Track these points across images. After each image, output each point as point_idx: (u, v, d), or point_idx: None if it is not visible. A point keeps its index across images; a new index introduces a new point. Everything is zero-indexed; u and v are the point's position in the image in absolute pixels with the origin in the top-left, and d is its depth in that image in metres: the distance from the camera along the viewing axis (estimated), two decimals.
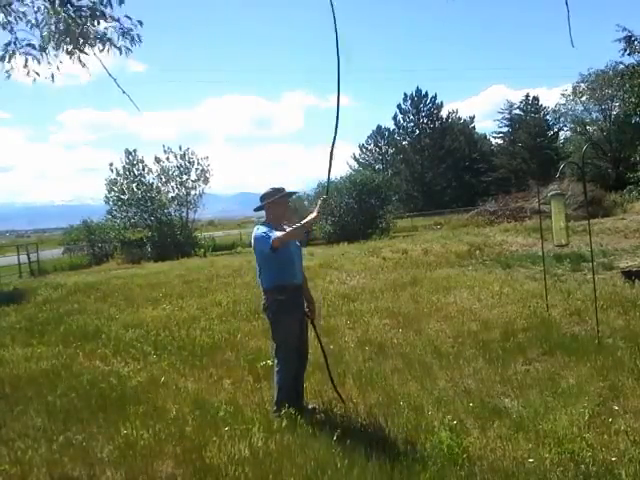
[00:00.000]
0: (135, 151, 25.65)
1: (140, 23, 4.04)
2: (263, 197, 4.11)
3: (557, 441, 3.31)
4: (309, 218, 3.89)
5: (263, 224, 4.09)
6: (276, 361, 4.08)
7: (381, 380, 4.64)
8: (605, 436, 3.39)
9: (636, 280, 7.66)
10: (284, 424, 3.76)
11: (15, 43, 3.98)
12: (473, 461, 3.20)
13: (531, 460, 3.16)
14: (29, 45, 3.98)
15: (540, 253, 8.16)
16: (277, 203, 4.09)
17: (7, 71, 4.04)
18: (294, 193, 4.18)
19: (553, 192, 7.74)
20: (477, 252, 12.90)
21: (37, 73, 4.10)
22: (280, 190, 4.12)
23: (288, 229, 3.91)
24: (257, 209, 4.23)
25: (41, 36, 3.93)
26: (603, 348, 4.98)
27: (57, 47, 3.95)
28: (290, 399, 3.94)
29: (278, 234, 3.82)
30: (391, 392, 4.35)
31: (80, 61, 4.01)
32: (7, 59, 3.98)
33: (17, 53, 3.99)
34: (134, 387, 4.95)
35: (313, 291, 4.62)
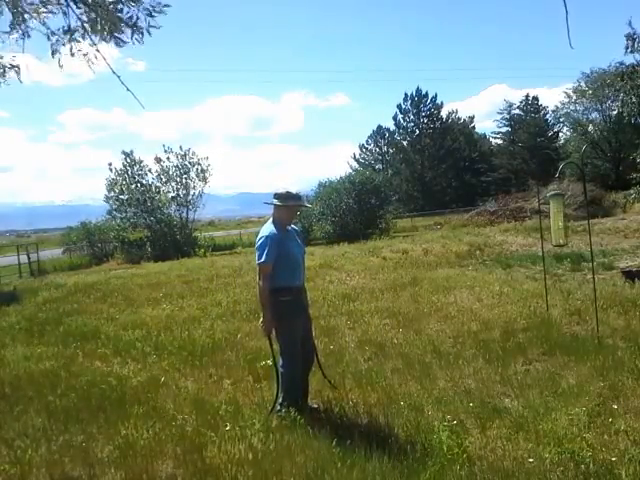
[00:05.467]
0: (132, 152, 25.68)
1: None
2: (279, 197, 4.09)
3: (557, 441, 3.31)
4: (264, 315, 4.01)
5: (273, 223, 4.10)
6: (281, 362, 4.07)
7: (381, 380, 4.64)
8: (605, 436, 3.39)
9: (636, 280, 7.66)
10: (284, 424, 3.76)
11: (53, 34, 3.96)
12: (473, 461, 3.20)
13: (531, 460, 3.16)
14: (66, 32, 3.95)
15: (540, 253, 8.16)
16: (290, 208, 4.13)
17: (58, 61, 4.04)
18: (306, 205, 4.28)
19: (552, 192, 7.74)
20: (477, 252, 12.91)
21: (84, 55, 4.07)
22: (295, 196, 4.15)
23: (263, 297, 3.99)
24: (267, 203, 4.23)
25: (69, 22, 3.90)
26: (603, 348, 4.98)
27: (93, 32, 3.91)
28: (296, 399, 3.95)
29: (266, 268, 3.92)
30: (391, 392, 4.35)
31: (118, 45, 3.96)
32: (62, 46, 3.97)
33: (59, 44, 3.97)
34: (134, 387, 4.95)
35: (313, 291, 4.64)
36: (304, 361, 4.11)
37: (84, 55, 4.05)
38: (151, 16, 3.94)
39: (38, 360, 6.10)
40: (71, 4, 3.80)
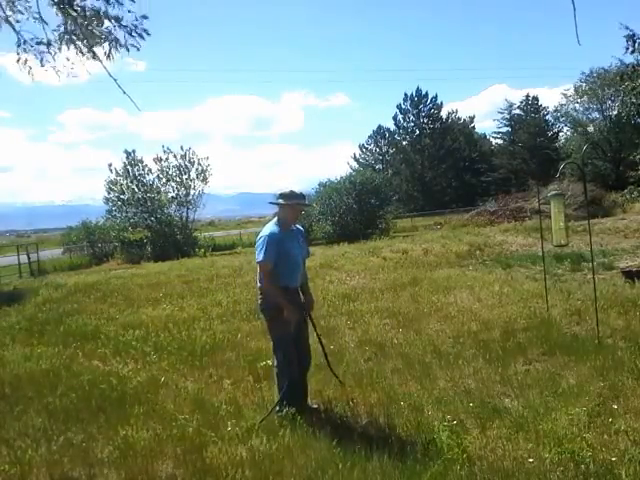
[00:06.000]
0: (134, 151, 25.71)
1: (145, 17, 4.03)
2: (283, 196, 4.13)
3: (557, 441, 3.31)
4: (285, 307, 3.92)
5: (276, 223, 4.13)
6: (276, 362, 4.08)
7: (381, 380, 4.64)
8: (605, 436, 3.39)
9: (636, 280, 7.66)
10: (285, 424, 3.76)
11: (25, 42, 4.01)
12: (473, 461, 3.20)
13: (531, 460, 3.16)
14: (39, 43, 4.00)
15: (540, 253, 8.16)
16: (294, 208, 4.16)
17: (29, 71, 4.09)
18: (310, 205, 4.34)
19: (553, 192, 7.74)
20: (477, 252, 12.91)
21: (54, 68, 4.14)
22: (300, 196, 4.21)
23: (276, 295, 3.97)
24: (272, 203, 4.28)
25: (45, 33, 3.95)
26: (603, 348, 4.98)
27: (68, 44, 3.96)
28: (295, 399, 3.95)
29: (266, 267, 3.95)
30: (391, 392, 4.35)
31: (94, 56, 4.02)
32: (23, 60, 4.02)
33: (29, 53, 4.02)
34: (134, 387, 4.94)
35: (313, 291, 4.64)
36: (301, 362, 4.11)
37: (53, 68, 4.11)
38: (131, 35, 4.00)
39: (38, 360, 6.09)
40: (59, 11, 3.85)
